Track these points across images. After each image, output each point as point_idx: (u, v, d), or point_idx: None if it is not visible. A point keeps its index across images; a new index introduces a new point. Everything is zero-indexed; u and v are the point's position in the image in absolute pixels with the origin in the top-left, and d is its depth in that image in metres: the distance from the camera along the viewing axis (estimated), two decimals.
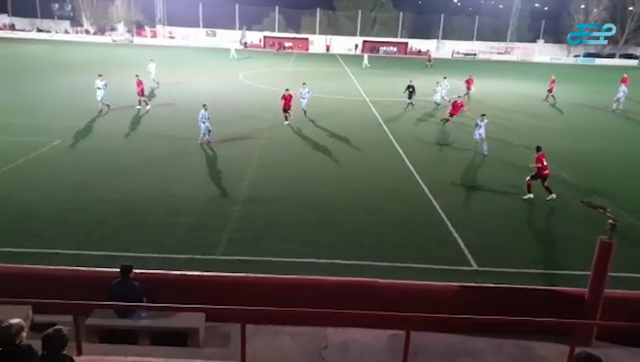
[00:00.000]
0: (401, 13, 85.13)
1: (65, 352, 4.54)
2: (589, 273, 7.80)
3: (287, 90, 23.17)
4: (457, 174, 17.01)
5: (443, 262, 10.72)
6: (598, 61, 76.76)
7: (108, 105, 24.01)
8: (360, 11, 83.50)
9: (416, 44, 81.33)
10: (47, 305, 7.02)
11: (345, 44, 79.03)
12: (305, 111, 24.85)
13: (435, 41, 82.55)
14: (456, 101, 24.35)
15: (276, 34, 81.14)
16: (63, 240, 10.91)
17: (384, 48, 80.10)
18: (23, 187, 13.95)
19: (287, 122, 23.14)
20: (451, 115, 23.63)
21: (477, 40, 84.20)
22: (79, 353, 6.21)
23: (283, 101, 22.99)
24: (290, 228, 12.14)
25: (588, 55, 79.02)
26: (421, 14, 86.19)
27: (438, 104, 29.27)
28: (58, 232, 11.30)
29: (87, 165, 16.13)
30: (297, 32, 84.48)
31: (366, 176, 16.28)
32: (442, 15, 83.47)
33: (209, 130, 18.91)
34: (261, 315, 6.99)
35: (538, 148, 14.53)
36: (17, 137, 18.38)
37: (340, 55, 70.84)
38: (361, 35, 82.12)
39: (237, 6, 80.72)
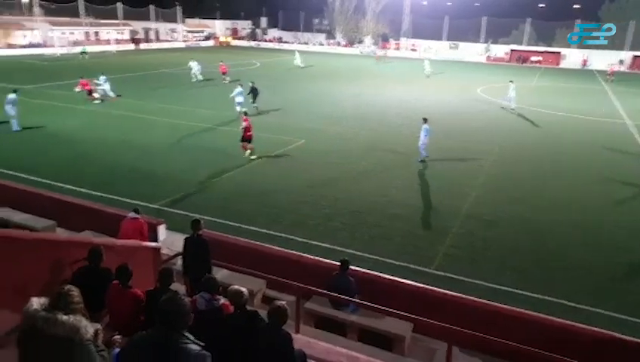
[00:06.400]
0: None
1: (284, 328, 4.98)
2: None
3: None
4: None
5: None
6: None
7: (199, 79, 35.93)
8: (633, 22, 71.78)
9: None
10: (277, 283, 7.93)
11: (606, 59, 69.27)
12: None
13: None
14: None
15: (524, 47, 76.27)
16: (295, 228, 12.20)
17: None
18: (269, 177, 16.03)
19: None
20: None
21: None
22: (297, 331, 6.80)
23: None
24: (509, 254, 11.38)
25: None
26: None
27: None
28: (292, 221, 12.69)
29: (322, 165, 17.67)
30: (548, 46, 77.83)
31: (607, 209, 14.35)
32: None
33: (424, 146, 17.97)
34: (471, 340, 6.61)
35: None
36: (272, 134, 21.16)
37: (598, 71, 62.93)
38: (631, 50, 70.65)
39: (484, 18, 78.45)
